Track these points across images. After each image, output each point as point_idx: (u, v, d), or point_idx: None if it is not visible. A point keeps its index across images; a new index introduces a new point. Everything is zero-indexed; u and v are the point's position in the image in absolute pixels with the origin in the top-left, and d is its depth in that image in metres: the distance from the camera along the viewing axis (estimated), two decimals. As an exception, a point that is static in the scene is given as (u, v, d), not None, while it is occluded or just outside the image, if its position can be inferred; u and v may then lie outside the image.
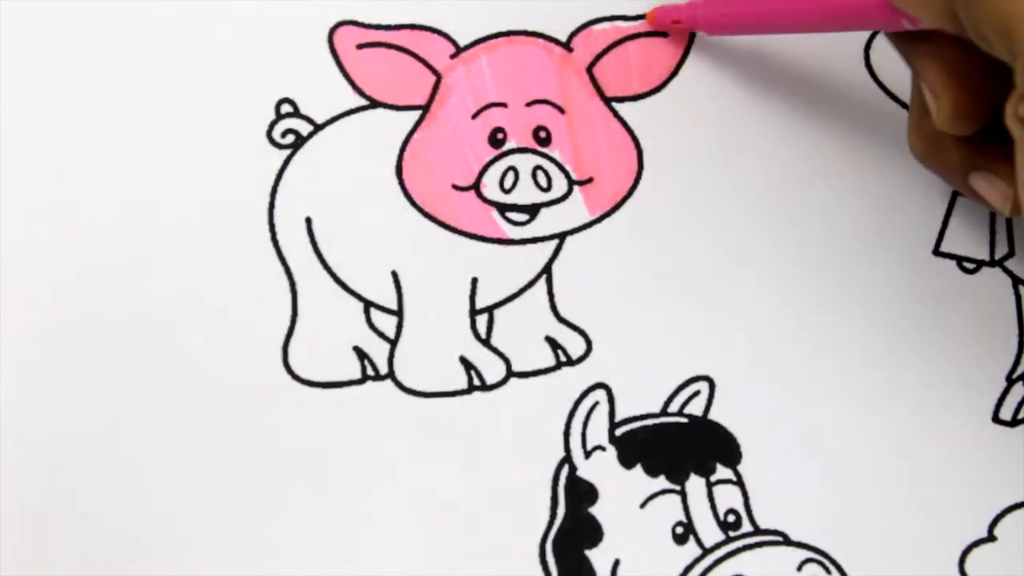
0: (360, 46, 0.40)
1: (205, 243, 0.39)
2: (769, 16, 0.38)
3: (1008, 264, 0.40)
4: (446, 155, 0.39)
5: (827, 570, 0.37)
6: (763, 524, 0.38)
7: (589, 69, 0.40)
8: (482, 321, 0.39)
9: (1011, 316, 0.39)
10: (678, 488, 0.38)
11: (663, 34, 0.41)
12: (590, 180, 0.40)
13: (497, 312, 0.39)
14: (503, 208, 0.39)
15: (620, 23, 0.41)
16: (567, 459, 0.38)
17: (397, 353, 0.38)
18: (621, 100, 0.40)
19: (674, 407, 0.38)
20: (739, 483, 0.38)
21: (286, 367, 0.38)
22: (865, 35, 0.41)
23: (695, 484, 0.38)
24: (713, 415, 0.38)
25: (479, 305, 0.39)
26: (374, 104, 0.40)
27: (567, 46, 0.40)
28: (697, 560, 0.37)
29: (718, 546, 0.37)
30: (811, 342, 0.39)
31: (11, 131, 0.39)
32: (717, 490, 0.38)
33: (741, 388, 0.38)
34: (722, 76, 0.41)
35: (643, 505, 0.37)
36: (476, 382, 0.38)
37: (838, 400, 0.39)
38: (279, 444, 0.38)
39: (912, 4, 0.32)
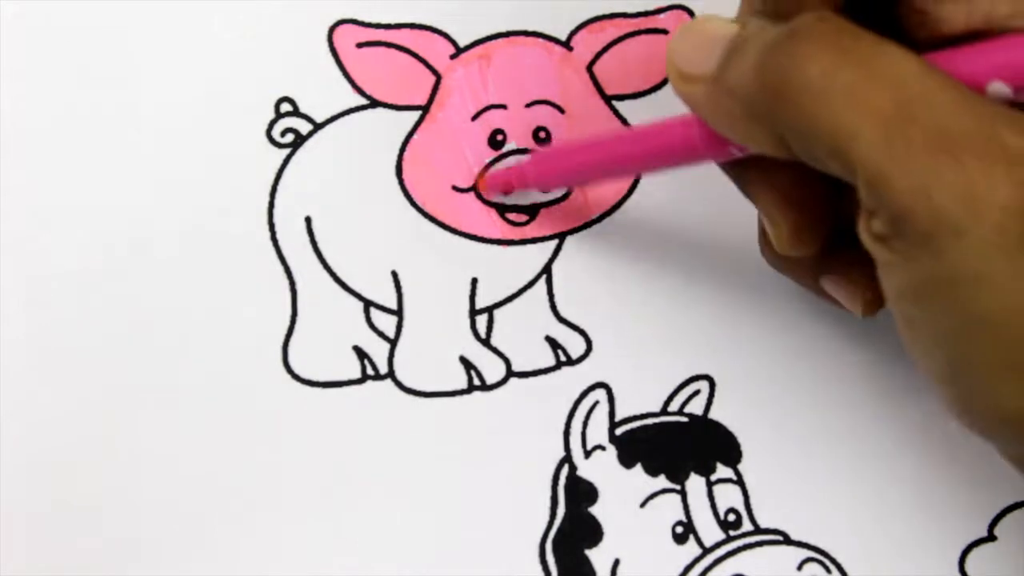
0: (360, 45, 0.40)
1: (205, 243, 0.39)
2: (597, 165, 0.36)
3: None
4: (446, 156, 0.39)
5: (827, 569, 0.37)
6: (763, 523, 0.38)
7: (589, 68, 0.40)
8: (482, 321, 0.39)
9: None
10: (678, 487, 0.38)
11: (664, 31, 0.41)
12: (590, 180, 0.40)
13: (497, 312, 0.39)
14: (503, 209, 0.39)
15: (620, 20, 0.41)
16: (567, 459, 0.38)
17: (397, 353, 0.38)
18: (622, 98, 0.40)
19: (674, 406, 0.38)
20: (739, 482, 0.38)
21: (286, 367, 0.38)
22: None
23: (695, 483, 0.38)
24: (713, 414, 0.38)
25: (479, 305, 0.39)
26: (374, 103, 0.40)
27: (567, 45, 0.40)
28: (697, 559, 0.37)
29: (718, 545, 0.37)
30: (811, 341, 0.39)
31: (10, 131, 0.39)
32: (717, 489, 0.38)
33: (741, 388, 0.38)
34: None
35: (643, 504, 0.37)
36: (476, 382, 0.38)
37: (838, 399, 0.39)
38: (279, 444, 0.38)
39: (736, 134, 0.30)
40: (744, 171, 0.33)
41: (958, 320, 0.27)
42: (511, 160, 0.39)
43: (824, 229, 0.33)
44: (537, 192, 0.39)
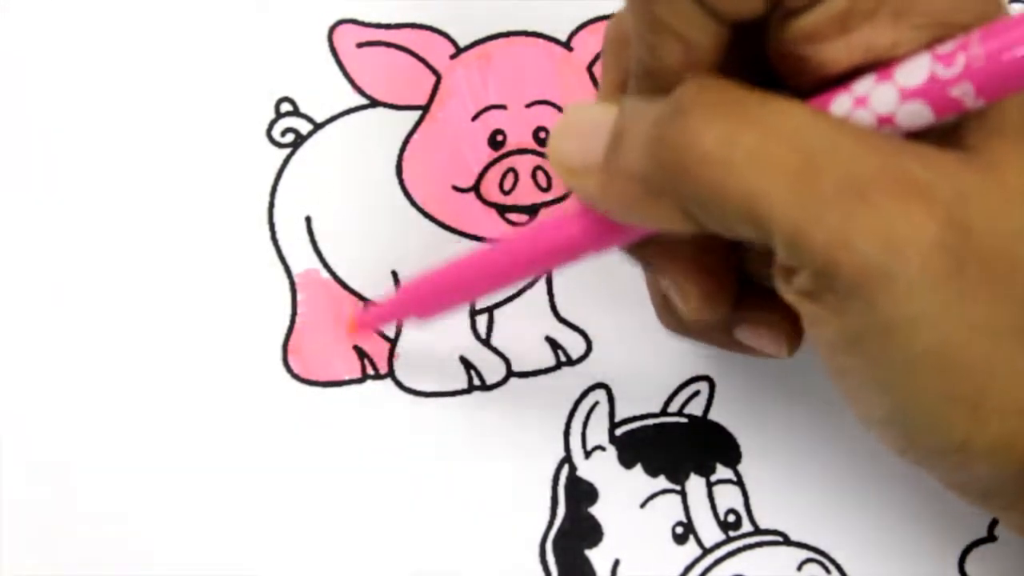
0: (360, 45, 0.40)
1: (205, 243, 0.39)
2: (482, 280, 0.33)
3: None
4: (446, 156, 0.39)
5: (827, 570, 0.37)
6: (763, 524, 0.37)
7: (589, 68, 0.40)
8: (482, 321, 0.39)
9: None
10: (678, 488, 0.37)
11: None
12: (590, 180, 0.39)
13: (497, 312, 0.39)
14: (503, 209, 0.39)
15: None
16: (567, 459, 0.38)
17: (397, 353, 0.38)
18: (621, 99, 0.40)
19: (674, 407, 0.38)
20: (739, 483, 0.38)
21: (286, 367, 0.38)
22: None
23: (695, 484, 0.38)
24: (713, 415, 0.38)
25: (479, 305, 0.39)
26: (374, 103, 0.40)
27: (567, 45, 0.40)
28: (697, 560, 0.37)
29: (718, 546, 0.37)
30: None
31: (10, 131, 0.39)
32: (717, 490, 0.38)
33: (741, 388, 0.38)
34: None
35: (643, 505, 0.37)
36: (476, 382, 0.38)
37: (838, 399, 0.39)
38: (279, 444, 0.38)
39: (639, 216, 0.28)
40: (645, 248, 0.32)
41: (898, 363, 0.26)
42: (387, 295, 0.37)
43: (733, 287, 0.32)
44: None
